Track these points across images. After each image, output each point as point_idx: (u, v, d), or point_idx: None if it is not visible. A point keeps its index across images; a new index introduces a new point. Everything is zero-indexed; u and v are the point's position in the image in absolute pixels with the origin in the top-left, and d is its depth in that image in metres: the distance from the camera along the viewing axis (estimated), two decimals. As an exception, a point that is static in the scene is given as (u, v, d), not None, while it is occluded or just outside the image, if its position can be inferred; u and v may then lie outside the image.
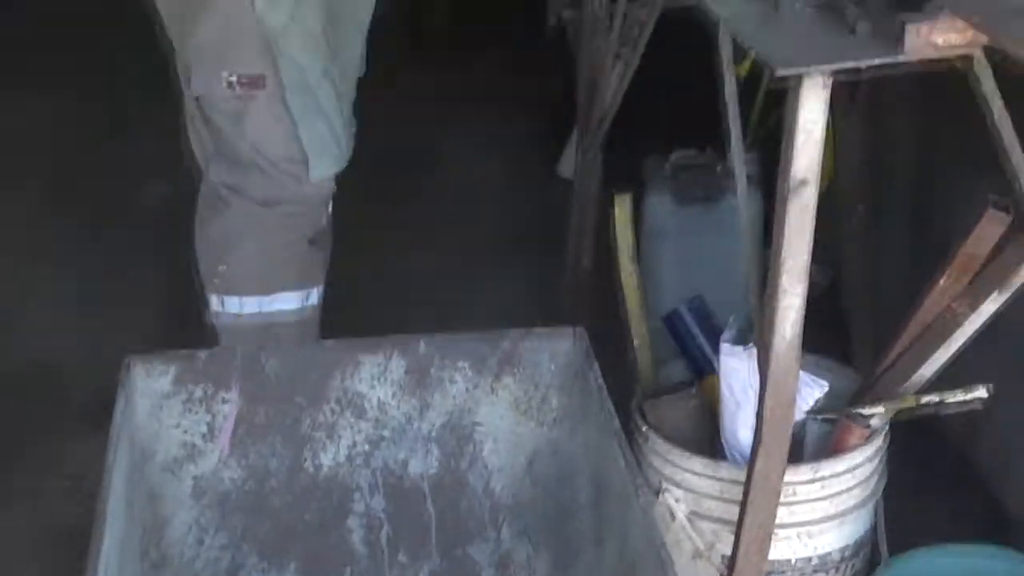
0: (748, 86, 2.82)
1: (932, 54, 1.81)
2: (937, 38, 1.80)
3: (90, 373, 3.01)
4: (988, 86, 1.87)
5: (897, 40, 1.81)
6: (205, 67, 2.43)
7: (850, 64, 1.84)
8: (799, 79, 1.85)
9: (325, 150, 2.49)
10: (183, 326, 2.87)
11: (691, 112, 3.53)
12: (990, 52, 1.83)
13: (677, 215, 3.02)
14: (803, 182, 1.90)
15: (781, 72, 1.83)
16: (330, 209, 2.59)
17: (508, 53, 4.41)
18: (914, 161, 2.88)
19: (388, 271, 3.45)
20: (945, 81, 1.95)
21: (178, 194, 2.89)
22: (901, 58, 1.81)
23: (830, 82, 1.86)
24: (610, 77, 2.84)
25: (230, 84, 2.42)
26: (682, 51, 3.37)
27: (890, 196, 2.96)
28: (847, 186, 2.88)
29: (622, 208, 2.48)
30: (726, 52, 2.10)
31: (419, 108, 4.13)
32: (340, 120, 2.53)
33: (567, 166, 3.69)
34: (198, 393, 2.20)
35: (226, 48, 2.41)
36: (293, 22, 2.41)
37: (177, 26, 2.49)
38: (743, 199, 2.17)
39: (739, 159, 2.14)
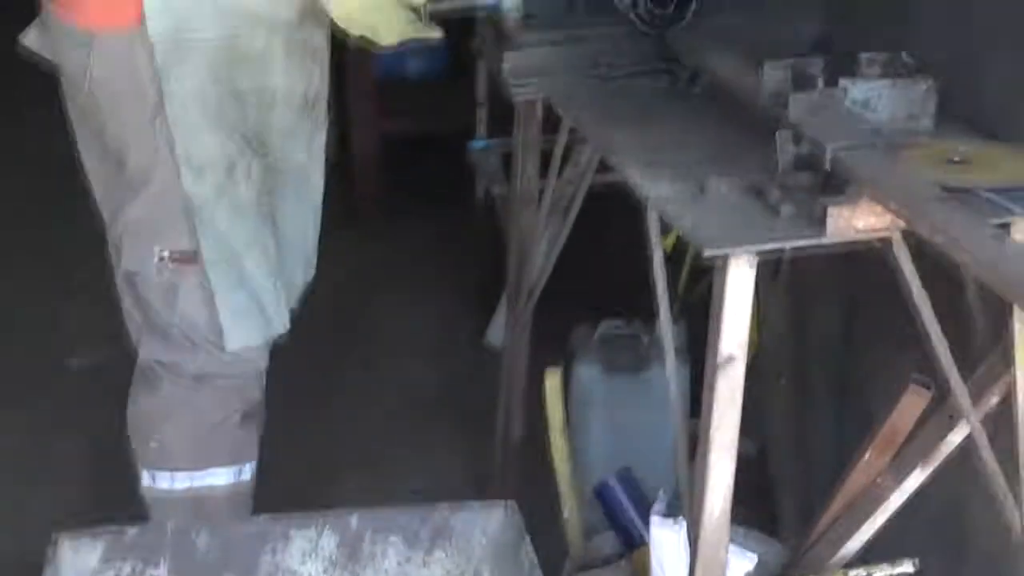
0: (674, 255, 2.89)
1: (853, 237, 1.88)
2: (858, 221, 1.87)
3: (12, 550, 2.96)
4: (907, 267, 1.93)
5: (820, 222, 1.88)
6: (138, 244, 2.44)
7: (775, 246, 1.90)
8: (726, 259, 1.90)
9: (245, 320, 2.49)
10: (110, 500, 2.83)
11: (618, 282, 3.59)
12: (908, 235, 1.89)
13: (606, 385, 3.05)
14: (731, 358, 1.94)
15: (709, 253, 1.88)
16: (263, 382, 2.59)
17: (438, 222, 4.48)
18: (838, 334, 2.93)
19: (315, 437, 3.44)
20: (867, 257, 2.01)
21: (104, 364, 2.88)
22: (824, 240, 1.88)
23: (756, 261, 1.91)
24: (539, 249, 2.89)
25: (162, 260, 2.43)
26: (609, 222, 3.44)
27: (814, 368, 3.01)
28: (772, 357, 2.93)
29: (553, 383, 2.51)
30: (654, 230, 2.15)
31: (349, 273, 4.16)
32: (272, 292, 2.53)
33: (495, 335, 3.73)
34: (126, 570, 2.18)
35: (158, 224, 2.42)
36: (222, 194, 2.42)
37: (110, 203, 2.50)
38: (672, 373, 2.21)
39: (668, 333, 2.18)
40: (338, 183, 4.39)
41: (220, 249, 2.43)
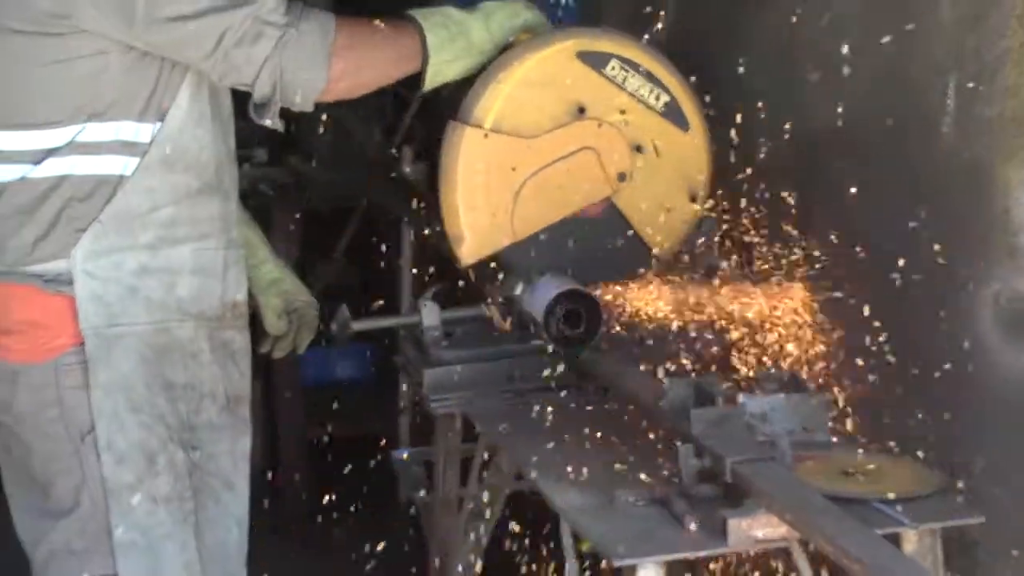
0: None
1: (753, 546, 1.99)
2: (757, 531, 1.98)
3: None
4: (805, 571, 2.03)
5: (722, 533, 1.99)
6: (65, 571, 2.41)
7: (680, 555, 2.00)
8: (634, 569, 2.00)
9: None
10: None
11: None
12: (805, 542, 2.00)
13: None
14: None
15: (618, 563, 1.98)
16: None
17: (363, 527, 4.50)
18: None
19: None
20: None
21: None
22: (726, 549, 1.99)
23: (663, 571, 2.01)
24: (462, 554, 2.96)
25: None
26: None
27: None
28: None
29: None
30: (567, 539, 2.25)
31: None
32: None
33: (422, 641, 3.74)
34: None
35: (87, 550, 2.40)
36: (141, 482, 2.41)
37: (33, 530, 2.47)
38: None
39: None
40: (266, 489, 4.45)
41: (133, 536, 2.40)
